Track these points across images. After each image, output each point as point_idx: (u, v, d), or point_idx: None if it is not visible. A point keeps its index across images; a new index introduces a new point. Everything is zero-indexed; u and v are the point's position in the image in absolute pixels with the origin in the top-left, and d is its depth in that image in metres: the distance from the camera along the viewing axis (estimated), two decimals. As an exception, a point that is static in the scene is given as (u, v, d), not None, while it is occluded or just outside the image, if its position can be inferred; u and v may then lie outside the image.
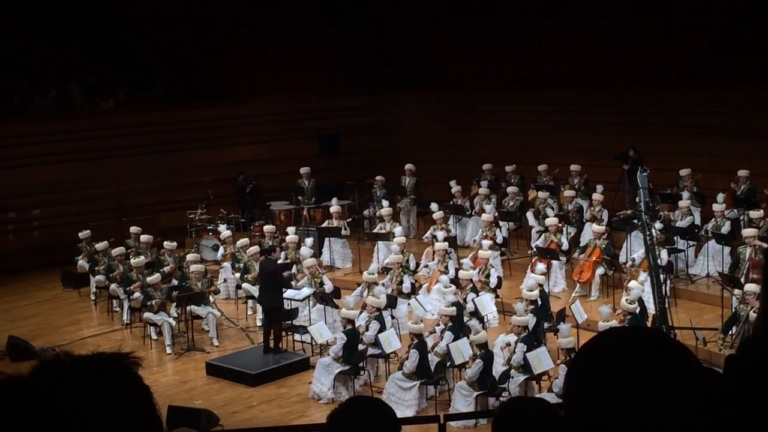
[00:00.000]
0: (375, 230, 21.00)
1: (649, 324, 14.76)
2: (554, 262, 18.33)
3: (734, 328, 14.31)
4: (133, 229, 20.35)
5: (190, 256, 18.63)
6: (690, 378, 1.69)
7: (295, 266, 18.28)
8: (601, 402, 1.67)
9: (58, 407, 1.60)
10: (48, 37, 26.43)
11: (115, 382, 1.67)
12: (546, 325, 15.39)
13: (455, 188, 21.79)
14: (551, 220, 19.07)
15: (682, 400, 1.67)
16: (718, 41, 23.72)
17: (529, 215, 20.70)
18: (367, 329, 15.00)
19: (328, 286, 17.22)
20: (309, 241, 19.08)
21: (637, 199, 14.76)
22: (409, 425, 13.12)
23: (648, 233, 14.44)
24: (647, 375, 1.67)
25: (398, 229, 19.70)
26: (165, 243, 19.41)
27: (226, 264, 19.70)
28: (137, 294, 17.54)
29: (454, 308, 14.91)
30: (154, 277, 17.36)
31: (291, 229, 20.02)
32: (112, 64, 26.66)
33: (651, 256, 14.06)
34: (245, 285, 18.37)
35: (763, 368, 1.72)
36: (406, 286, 17.38)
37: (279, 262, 18.30)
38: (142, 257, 18.56)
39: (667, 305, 14.45)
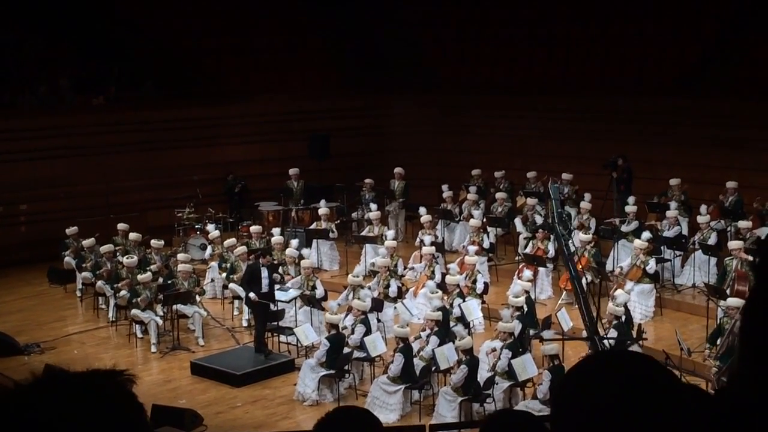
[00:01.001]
0: (363, 233, 21.00)
1: (634, 333, 14.81)
2: (541, 269, 18.36)
3: (719, 340, 14.34)
4: (121, 226, 20.32)
5: (180, 256, 18.62)
6: (677, 405, 1.70)
7: (281, 267, 18.25)
8: (589, 427, 1.68)
9: (52, 424, 1.60)
10: (39, 33, 26.34)
11: (109, 399, 1.67)
12: (531, 331, 15.41)
13: (446, 193, 21.81)
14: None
15: (668, 426, 1.68)
16: (709, 50, 23.79)
17: (517, 221, 20.72)
18: (352, 332, 15.01)
19: (320, 291, 17.18)
20: (294, 242, 19.07)
21: (548, 211, 14.75)
22: None
23: (564, 244, 14.46)
24: (634, 401, 1.68)
25: (390, 233, 19.73)
26: (152, 241, 19.38)
27: (213, 264, 19.68)
28: (124, 291, 17.52)
29: (440, 313, 14.92)
30: (145, 276, 17.34)
31: (276, 230, 20.01)
32: (103, 61, 26.59)
33: (571, 268, 14.04)
34: (232, 285, 18.35)
35: (747, 405, 1.73)
36: (393, 290, 17.38)
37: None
38: (135, 257, 18.53)
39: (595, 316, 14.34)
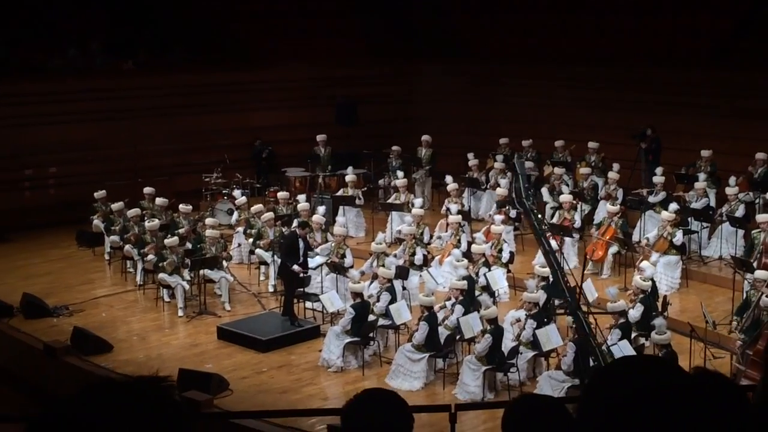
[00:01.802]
0: (389, 200, 21.02)
1: (659, 305, 14.80)
2: (567, 239, 18.32)
3: (745, 313, 14.31)
4: (147, 190, 20.42)
5: (208, 221, 18.71)
6: (688, 408, 1.75)
7: (308, 235, 18.30)
8: (614, 426, 1.73)
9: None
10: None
11: (155, 408, 1.72)
12: (557, 302, 15.40)
13: (472, 161, 21.77)
14: (565, 197, 19.05)
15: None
16: (743, 21, 23.52)
17: (544, 191, 20.67)
18: (378, 300, 15.07)
19: (348, 260, 17.20)
20: (321, 209, 19.10)
21: (517, 186, 14.59)
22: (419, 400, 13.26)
23: (534, 219, 14.33)
24: (651, 403, 1.73)
25: (418, 201, 19.71)
26: (180, 206, 19.47)
27: (240, 229, 19.76)
28: (151, 256, 17.65)
29: (466, 282, 14.96)
30: (172, 240, 17.42)
31: (302, 197, 20.03)
32: (132, 25, 26.63)
33: (544, 243, 13.92)
34: (258, 251, 18.45)
35: None
36: (419, 258, 17.42)
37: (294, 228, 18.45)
38: (156, 220, 18.65)
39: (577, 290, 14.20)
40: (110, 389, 1.74)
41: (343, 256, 17.25)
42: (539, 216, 14.80)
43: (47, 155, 22.75)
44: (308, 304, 16.60)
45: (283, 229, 18.39)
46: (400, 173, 21.33)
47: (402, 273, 16.53)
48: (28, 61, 24.58)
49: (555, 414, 2.82)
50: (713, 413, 1.82)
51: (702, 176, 19.53)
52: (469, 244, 17.50)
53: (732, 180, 18.81)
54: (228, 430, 12.05)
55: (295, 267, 16.24)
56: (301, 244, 16.51)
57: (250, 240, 18.93)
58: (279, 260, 17.05)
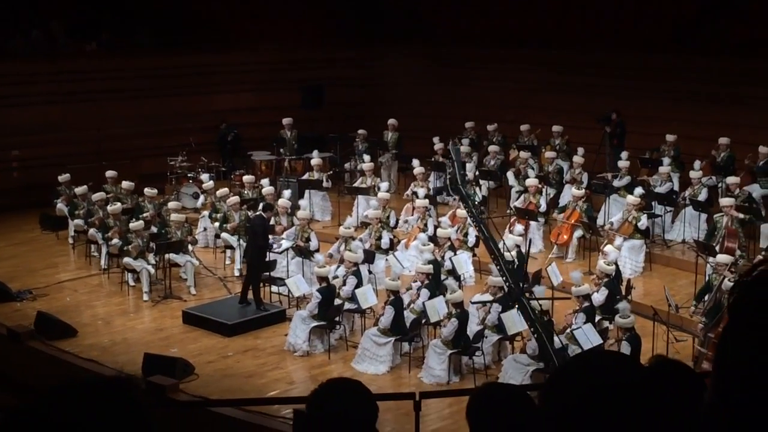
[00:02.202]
0: (356, 184, 21.02)
1: (623, 288, 14.93)
2: (532, 223, 18.41)
3: (707, 296, 14.47)
4: (109, 173, 20.28)
5: (171, 204, 18.59)
6: (657, 404, 1.78)
7: (273, 218, 18.29)
8: (576, 418, 1.76)
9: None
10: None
11: (118, 408, 1.73)
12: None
13: (438, 145, 21.80)
14: (531, 181, 19.14)
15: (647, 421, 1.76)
16: (706, 7, 23.67)
17: (509, 175, 20.76)
18: (344, 284, 15.09)
19: (314, 243, 17.23)
20: (287, 193, 19.06)
21: (452, 172, 14.59)
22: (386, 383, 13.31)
23: (468, 206, 14.40)
24: (610, 398, 1.76)
25: (384, 185, 19.72)
26: (146, 190, 19.36)
27: (206, 213, 19.68)
28: (116, 240, 17.55)
29: (431, 266, 15.00)
30: (137, 224, 17.31)
31: (265, 181, 19.94)
32: (96, 5, 26.39)
33: (482, 230, 13.98)
34: (224, 234, 18.40)
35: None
36: (385, 242, 17.45)
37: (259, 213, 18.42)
38: (119, 204, 18.55)
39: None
40: (75, 390, 1.74)
41: (308, 239, 17.25)
42: (476, 202, 14.84)
43: (9, 138, 22.50)
44: (274, 289, 16.59)
45: (249, 213, 18.33)
46: (366, 157, 21.33)
47: (368, 257, 16.55)
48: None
49: (519, 402, 2.85)
50: (671, 403, 1.85)
51: (666, 160, 19.68)
52: (435, 228, 17.54)
53: (697, 164, 18.97)
54: (194, 414, 12.04)
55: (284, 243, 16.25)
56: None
57: (216, 224, 18.86)
58: (245, 244, 17.02)
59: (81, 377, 1.80)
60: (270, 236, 16.86)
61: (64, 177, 20.36)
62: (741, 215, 16.77)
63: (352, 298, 14.90)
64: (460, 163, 14.81)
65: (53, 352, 14.49)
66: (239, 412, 12.01)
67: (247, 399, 12.66)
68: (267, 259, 16.47)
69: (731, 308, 1.78)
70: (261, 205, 17.73)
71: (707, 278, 15.05)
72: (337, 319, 14.67)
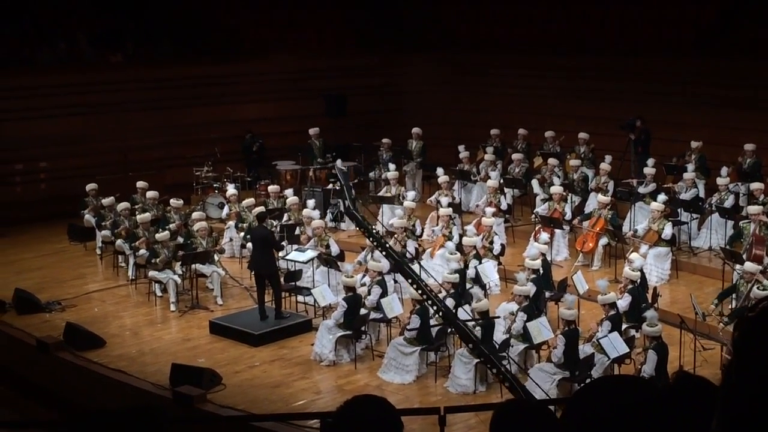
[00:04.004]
0: (380, 193, 21.06)
1: (649, 296, 14.88)
2: (557, 231, 18.38)
3: (732, 298, 14.41)
4: (140, 183, 20.41)
5: (195, 214, 18.70)
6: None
7: (298, 228, 18.35)
8: None
9: None
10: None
11: None
12: (547, 294, 15.48)
13: (463, 153, 21.80)
14: (555, 189, 19.10)
15: None
16: (728, 11, 23.62)
17: (534, 183, 20.72)
18: (369, 293, 15.11)
19: (334, 249, 17.29)
20: (311, 202, 19.11)
21: (344, 190, 14.28)
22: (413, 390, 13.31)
23: (367, 231, 14.22)
24: (638, 418, 1.79)
25: (410, 194, 19.65)
26: (171, 200, 19.45)
27: (231, 223, 19.75)
28: (143, 251, 17.67)
29: (457, 275, 15.01)
30: (163, 235, 17.42)
31: (289, 191, 19.98)
32: (120, 16, 26.60)
33: (392, 254, 13.78)
34: (250, 245, 18.44)
35: None
36: (410, 251, 17.47)
37: (284, 222, 18.48)
38: (148, 213, 18.67)
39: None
40: (103, 419, 1.79)
41: (328, 246, 17.29)
42: (373, 225, 14.54)
43: (37, 150, 22.74)
44: (300, 298, 16.64)
45: (274, 222, 18.38)
46: (392, 166, 21.34)
47: (393, 266, 16.55)
48: (16, 54, 24.53)
49: (542, 420, 2.87)
50: (692, 422, 1.88)
51: (691, 167, 19.58)
52: (460, 236, 17.54)
53: (724, 170, 18.85)
54: (222, 422, 12.12)
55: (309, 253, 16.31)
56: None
57: (242, 234, 18.94)
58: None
59: (110, 408, 1.85)
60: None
61: (91, 186, 20.50)
62: (769, 221, 16.67)
63: (378, 308, 14.92)
64: (349, 186, 14.51)
65: (82, 362, 14.61)
66: (269, 423, 12.06)
67: (287, 414, 12.65)
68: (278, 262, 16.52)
69: (735, 343, 1.80)
70: (255, 216, 17.66)
71: (734, 282, 14.98)
72: (362, 328, 14.69)
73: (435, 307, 13.05)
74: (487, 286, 16.19)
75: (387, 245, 14.69)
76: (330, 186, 21.28)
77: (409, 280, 13.44)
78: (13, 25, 25.22)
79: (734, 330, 1.81)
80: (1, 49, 24.55)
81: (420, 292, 13.20)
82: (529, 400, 7.99)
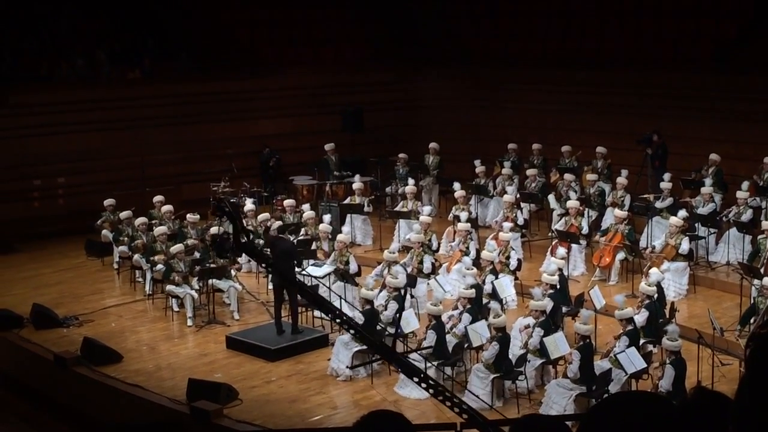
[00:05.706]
0: (397, 208, 21.06)
1: (667, 311, 14.82)
2: (574, 246, 18.33)
3: (753, 319, 14.33)
4: (157, 198, 20.46)
5: (213, 230, 18.73)
6: None
7: (314, 243, 18.36)
8: None
9: None
10: (75, 4, 26.55)
11: None
12: (564, 309, 15.43)
13: (479, 168, 21.80)
14: (572, 203, 19.07)
15: None
16: (746, 26, 23.57)
17: (551, 198, 20.68)
18: (385, 309, 15.10)
19: (353, 267, 17.27)
20: (327, 217, 19.11)
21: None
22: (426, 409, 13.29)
23: (262, 262, 13.41)
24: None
25: (426, 209, 19.61)
26: (188, 215, 19.51)
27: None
28: (160, 265, 17.71)
29: (474, 290, 14.98)
30: (177, 247, 17.47)
31: (306, 206, 20.04)
32: (138, 33, 26.76)
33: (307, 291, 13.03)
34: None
35: None
36: (427, 266, 17.45)
37: (300, 238, 18.49)
38: (164, 227, 18.72)
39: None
40: None
41: (347, 262, 17.29)
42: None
43: (55, 165, 22.86)
44: (317, 313, 16.63)
45: (291, 237, 18.42)
46: (410, 180, 21.34)
47: (410, 281, 16.55)
48: (35, 71, 24.71)
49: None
50: None
51: (708, 181, 19.52)
52: (478, 251, 17.52)
53: (744, 184, 18.77)
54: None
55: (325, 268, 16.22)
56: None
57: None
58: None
59: (128, 424, 1.86)
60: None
61: (109, 202, 20.58)
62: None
63: (394, 323, 14.89)
64: (239, 218, 12.66)
65: (99, 377, 14.65)
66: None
67: (303, 429, 12.63)
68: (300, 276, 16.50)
69: (749, 360, 1.80)
70: (276, 229, 17.66)
71: (753, 301, 14.90)
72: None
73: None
74: (504, 301, 16.14)
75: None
76: (347, 200, 21.26)
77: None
78: (32, 42, 25.41)
79: (746, 345, 1.82)
80: (21, 66, 24.74)
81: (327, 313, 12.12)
82: (547, 416, 7.94)
